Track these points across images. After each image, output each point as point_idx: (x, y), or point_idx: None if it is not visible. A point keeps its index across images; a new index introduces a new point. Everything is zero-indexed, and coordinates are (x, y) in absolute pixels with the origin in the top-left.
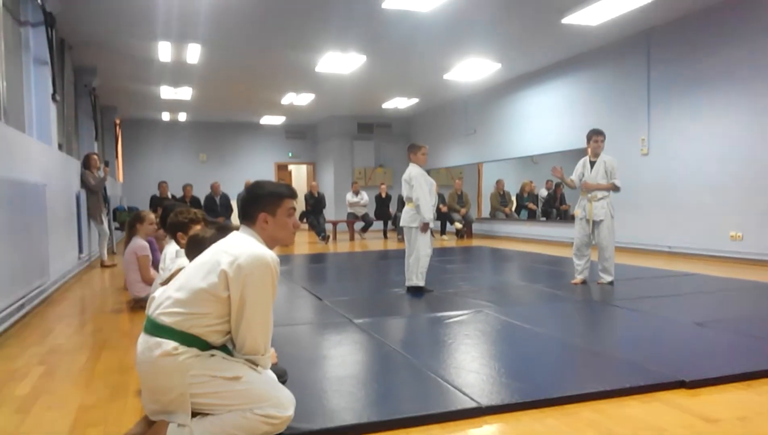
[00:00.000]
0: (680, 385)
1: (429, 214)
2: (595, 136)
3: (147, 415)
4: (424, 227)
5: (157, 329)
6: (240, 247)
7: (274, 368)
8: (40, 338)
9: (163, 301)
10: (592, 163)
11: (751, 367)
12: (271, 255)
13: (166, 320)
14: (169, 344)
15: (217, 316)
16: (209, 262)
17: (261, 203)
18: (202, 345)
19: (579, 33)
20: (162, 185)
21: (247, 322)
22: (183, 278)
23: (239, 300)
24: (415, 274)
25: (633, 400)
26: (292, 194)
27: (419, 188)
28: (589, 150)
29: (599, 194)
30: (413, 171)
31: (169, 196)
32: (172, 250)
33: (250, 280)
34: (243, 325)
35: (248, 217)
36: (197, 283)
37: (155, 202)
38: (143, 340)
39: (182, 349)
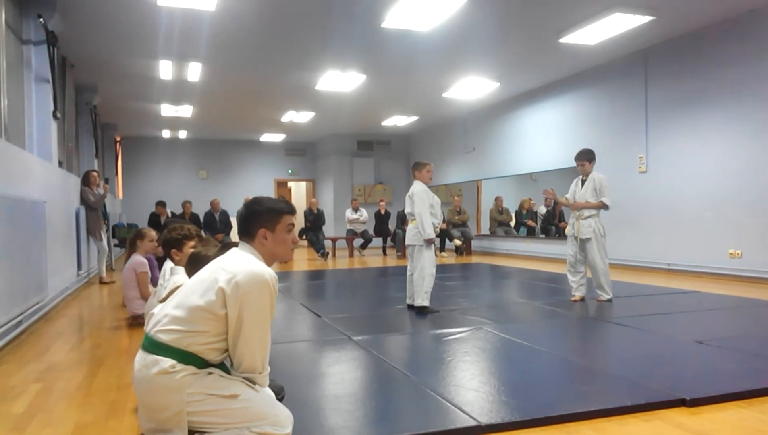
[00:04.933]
0: (681, 403)
1: (429, 228)
2: (576, 160)
3: (143, 433)
4: (428, 242)
5: (155, 347)
6: (238, 264)
7: (271, 385)
8: (38, 355)
9: (161, 318)
10: (584, 182)
11: (751, 385)
12: (269, 272)
13: (163, 338)
14: (167, 362)
15: (215, 333)
16: (207, 279)
17: (260, 219)
18: (200, 363)
19: (577, 52)
20: (158, 207)
21: (244, 340)
22: (181, 295)
23: (237, 318)
24: (420, 294)
25: (633, 418)
26: (291, 210)
27: (420, 203)
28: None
29: (586, 213)
30: (416, 187)
31: (168, 213)
32: (169, 266)
33: (248, 297)
34: (241, 342)
35: (247, 234)
36: (195, 300)
37: (154, 220)
38: (141, 357)
39: (180, 366)
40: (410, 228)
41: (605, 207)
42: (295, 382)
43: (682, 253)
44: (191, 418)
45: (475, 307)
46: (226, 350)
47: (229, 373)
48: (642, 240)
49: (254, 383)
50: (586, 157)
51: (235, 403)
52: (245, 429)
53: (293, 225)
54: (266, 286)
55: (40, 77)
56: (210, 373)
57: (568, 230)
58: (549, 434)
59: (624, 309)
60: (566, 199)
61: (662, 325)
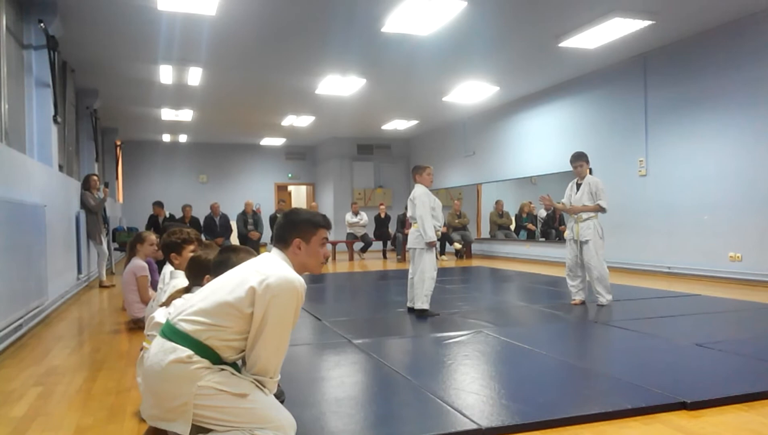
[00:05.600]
0: (681, 406)
1: (431, 231)
2: (574, 162)
3: (145, 419)
4: (430, 245)
5: (175, 334)
6: (271, 267)
7: None
8: (38, 359)
9: (186, 308)
10: (579, 186)
11: (752, 389)
12: (299, 280)
13: (186, 327)
14: (185, 352)
15: (237, 331)
16: (238, 277)
17: (297, 229)
18: (215, 358)
19: (576, 56)
20: (156, 207)
21: (263, 342)
22: (209, 289)
23: (261, 319)
24: (420, 298)
25: (634, 421)
26: (328, 225)
27: (421, 206)
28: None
29: (584, 215)
30: (418, 190)
31: (166, 214)
32: (168, 270)
33: (276, 301)
34: (259, 343)
35: (282, 241)
36: (223, 295)
37: (152, 221)
38: (158, 342)
39: (196, 358)
40: (412, 231)
41: (602, 210)
42: (296, 386)
43: (683, 256)
44: (197, 411)
45: (476, 310)
46: (242, 351)
47: (240, 372)
48: (642, 243)
49: (263, 386)
50: (584, 158)
51: (243, 403)
52: (248, 431)
53: (327, 239)
54: (295, 293)
55: (40, 82)
56: (222, 370)
57: (567, 234)
58: None
59: (624, 312)
60: (563, 204)
61: (662, 328)
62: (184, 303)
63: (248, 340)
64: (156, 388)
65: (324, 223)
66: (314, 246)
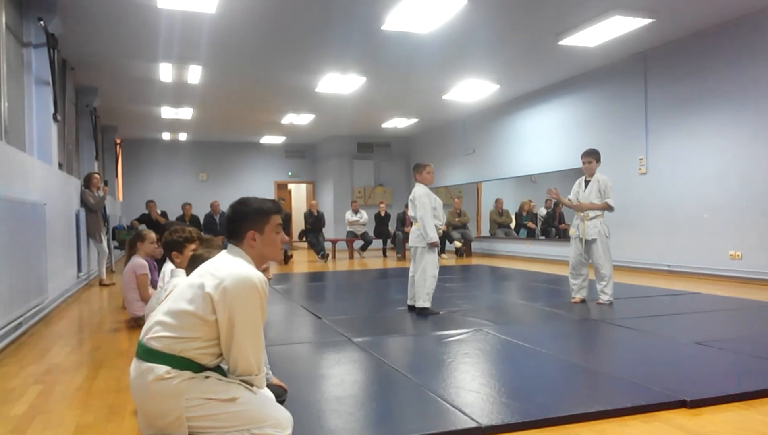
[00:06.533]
0: (681, 404)
1: (432, 232)
2: (583, 157)
3: None
4: (431, 246)
5: (149, 354)
6: (226, 268)
7: (273, 388)
8: (38, 357)
9: (153, 325)
10: (587, 183)
11: (752, 387)
12: (257, 275)
13: (156, 345)
14: (162, 369)
15: (207, 339)
16: (195, 284)
17: (248, 221)
18: (196, 367)
19: (576, 54)
20: (149, 205)
21: (237, 344)
22: (171, 301)
23: (227, 323)
24: (421, 296)
25: (634, 419)
26: (279, 210)
27: (422, 207)
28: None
29: (591, 213)
30: (418, 190)
31: (159, 212)
32: (169, 268)
33: (237, 301)
34: (234, 347)
35: (235, 236)
36: (184, 306)
37: (145, 219)
38: (135, 365)
39: (175, 372)
40: (413, 229)
41: (610, 208)
42: (295, 384)
43: (683, 255)
44: (191, 423)
45: (476, 308)
46: (221, 354)
47: (225, 376)
48: (642, 241)
49: (252, 385)
50: (595, 155)
51: (234, 407)
52: (246, 432)
53: (281, 225)
54: (255, 290)
55: (40, 80)
56: (207, 377)
57: (572, 232)
58: None
59: (624, 310)
60: (569, 200)
61: (662, 327)
62: (150, 319)
63: (222, 345)
64: (146, 408)
65: (275, 209)
66: (269, 234)
